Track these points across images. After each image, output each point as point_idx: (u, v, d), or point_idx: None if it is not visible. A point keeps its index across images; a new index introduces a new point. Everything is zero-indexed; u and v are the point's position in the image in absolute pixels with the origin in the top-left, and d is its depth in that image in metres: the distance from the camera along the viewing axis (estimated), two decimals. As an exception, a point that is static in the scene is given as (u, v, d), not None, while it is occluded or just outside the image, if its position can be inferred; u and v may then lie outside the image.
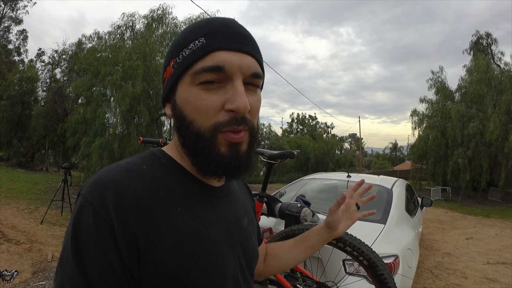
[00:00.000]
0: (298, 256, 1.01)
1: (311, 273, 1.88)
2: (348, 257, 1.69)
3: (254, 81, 0.63)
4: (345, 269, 2.12)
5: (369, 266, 1.39)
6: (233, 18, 0.66)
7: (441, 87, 17.36)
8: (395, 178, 4.07)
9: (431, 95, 18.06)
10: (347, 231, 1.45)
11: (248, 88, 0.62)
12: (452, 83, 25.46)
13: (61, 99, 15.48)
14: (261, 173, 31.83)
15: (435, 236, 7.04)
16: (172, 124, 0.65)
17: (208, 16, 12.73)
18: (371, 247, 1.47)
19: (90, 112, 10.85)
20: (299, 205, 2.02)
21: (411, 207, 3.75)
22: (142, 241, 0.55)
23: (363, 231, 2.46)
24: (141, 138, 2.54)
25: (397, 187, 3.49)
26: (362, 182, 1.09)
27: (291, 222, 1.98)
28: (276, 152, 2.00)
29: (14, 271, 3.63)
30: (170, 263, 0.57)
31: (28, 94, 17.55)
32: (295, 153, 1.97)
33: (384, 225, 2.58)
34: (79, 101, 14.38)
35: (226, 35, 0.60)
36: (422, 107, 17.89)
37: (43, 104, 17.68)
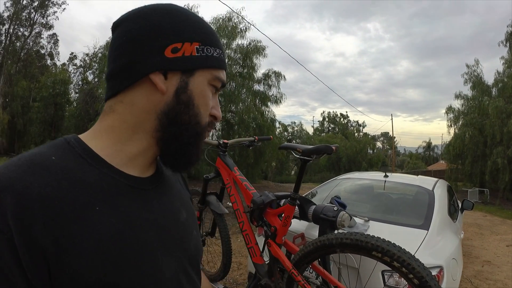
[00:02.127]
0: None
1: (346, 285, 1.71)
2: (388, 268, 1.53)
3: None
4: (384, 282, 1.94)
5: (420, 286, 1.20)
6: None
7: (477, 82, 16.56)
8: (435, 179, 3.80)
9: (466, 90, 17.35)
10: (392, 241, 1.29)
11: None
12: (488, 78, 24.19)
13: (92, 100, 16.04)
14: (292, 172, 31.79)
15: (474, 242, 6.65)
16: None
17: (237, 16, 12.78)
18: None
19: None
20: (335, 208, 1.82)
21: (452, 211, 3.48)
22: (52, 255, 0.45)
23: (403, 237, 2.27)
24: (256, 137, 2.49)
25: (439, 188, 3.22)
26: None
27: (326, 228, 1.79)
28: (310, 147, 1.76)
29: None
30: (92, 277, 0.48)
31: (61, 96, 18.45)
32: (333, 147, 1.72)
33: (426, 231, 2.36)
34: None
35: (223, 56, 0.67)
36: (457, 104, 17.29)
37: (75, 105, 18.41)
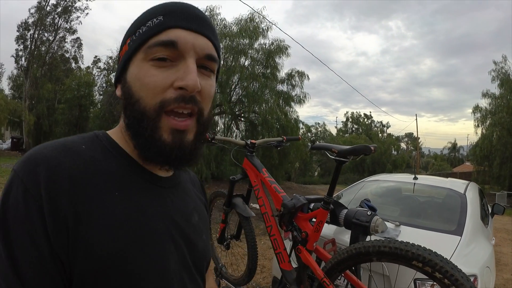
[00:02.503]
0: None
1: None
2: (420, 276, 1.45)
3: (208, 64, 0.62)
4: (416, 290, 1.86)
5: None
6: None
7: (505, 79, 15.90)
8: (466, 181, 3.67)
9: (493, 88, 16.64)
10: (434, 250, 1.23)
11: (201, 71, 0.61)
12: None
13: (116, 101, 16.28)
14: (316, 173, 31.43)
15: (503, 248, 6.38)
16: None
17: (258, 15, 12.76)
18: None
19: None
20: (369, 213, 1.73)
21: (483, 215, 3.34)
22: (72, 227, 0.51)
23: (435, 244, 2.18)
24: (284, 137, 2.46)
25: (470, 191, 3.09)
26: None
27: (359, 233, 1.72)
28: (347, 147, 1.65)
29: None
30: (103, 252, 0.52)
31: (85, 98, 18.88)
32: (372, 148, 1.59)
33: (460, 237, 2.26)
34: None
35: (184, 15, 0.60)
36: (484, 102, 16.64)
37: (99, 106, 18.81)
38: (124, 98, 0.61)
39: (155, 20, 0.59)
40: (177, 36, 0.58)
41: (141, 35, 0.59)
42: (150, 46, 0.58)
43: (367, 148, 1.58)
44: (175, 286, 0.63)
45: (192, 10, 0.62)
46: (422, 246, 1.26)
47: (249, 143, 2.23)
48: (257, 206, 2.14)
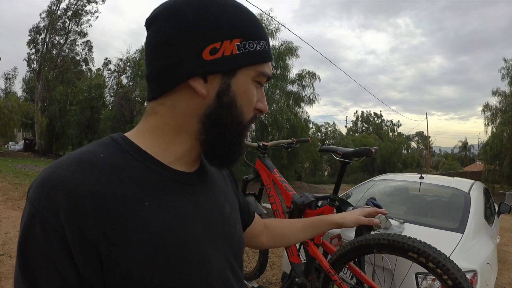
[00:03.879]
0: (304, 238, 1.15)
1: (380, 286, 1.76)
2: (422, 270, 1.56)
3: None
4: (417, 284, 1.96)
5: (453, 287, 1.24)
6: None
7: (515, 77, 15.74)
8: (472, 181, 3.71)
9: (504, 86, 16.50)
10: (430, 243, 1.34)
11: None
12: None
13: (127, 102, 16.57)
14: (325, 173, 31.25)
15: (510, 248, 6.35)
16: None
17: (267, 17, 12.76)
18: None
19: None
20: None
21: (488, 214, 3.41)
22: (104, 249, 0.47)
23: (438, 240, 2.27)
24: (294, 139, 2.55)
25: (475, 191, 3.16)
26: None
27: (363, 229, 1.85)
28: (350, 149, 1.83)
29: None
30: (143, 270, 0.49)
31: (97, 100, 19.13)
32: (373, 150, 1.78)
33: (462, 234, 2.34)
34: (145, 104, 15.23)
35: (269, 48, 0.64)
36: (494, 101, 16.45)
37: (110, 108, 19.05)
38: (221, 104, 0.59)
39: (263, 43, 0.61)
40: (270, 72, 0.64)
41: (258, 54, 0.60)
42: (263, 73, 0.61)
43: (368, 151, 1.77)
44: (221, 287, 0.62)
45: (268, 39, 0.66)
46: (417, 239, 1.37)
47: (261, 145, 2.34)
48: (269, 205, 2.26)
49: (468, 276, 1.90)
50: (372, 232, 1.85)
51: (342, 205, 1.99)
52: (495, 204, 4.24)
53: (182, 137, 0.61)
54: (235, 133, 0.61)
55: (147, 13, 0.61)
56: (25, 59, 21.05)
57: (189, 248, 0.56)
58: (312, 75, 14.98)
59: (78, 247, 0.46)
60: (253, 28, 0.60)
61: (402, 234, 1.47)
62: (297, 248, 2.05)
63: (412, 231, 2.34)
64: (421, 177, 3.52)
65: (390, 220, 2.05)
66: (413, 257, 1.32)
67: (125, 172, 0.53)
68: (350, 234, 2.06)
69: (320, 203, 1.99)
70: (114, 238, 0.48)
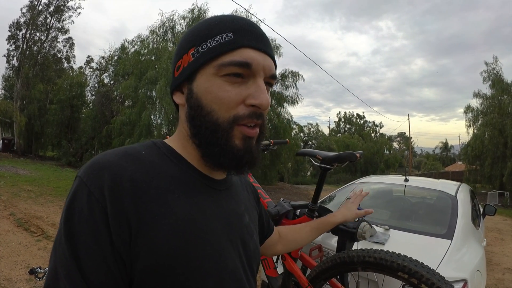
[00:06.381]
0: (312, 239, 1.24)
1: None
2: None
3: (271, 82, 0.67)
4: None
5: None
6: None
7: (496, 80, 16.01)
8: (458, 183, 3.64)
9: (485, 89, 16.76)
10: (414, 251, 1.19)
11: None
12: (507, 75, 23.20)
13: (108, 102, 16.20)
14: (308, 173, 31.30)
15: (494, 248, 6.38)
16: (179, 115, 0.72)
17: (247, 13, 12.71)
18: (438, 270, 1.24)
19: (135, 114, 11.09)
20: (356, 219, 1.71)
21: (474, 217, 3.31)
22: (135, 226, 0.54)
23: (426, 248, 2.15)
24: (271, 141, 2.39)
25: (461, 193, 3.06)
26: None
27: (346, 239, 1.67)
28: (332, 154, 1.61)
29: (47, 268, 3.61)
30: (163, 251, 0.55)
31: (77, 98, 18.67)
32: (358, 155, 1.57)
33: (450, 240, 2.22)
34: (125, 103, 14.89)
35: (253, 35, 0.63)
36: (476, 103, 16.80)
37: (91, 107, 18.62)
38: (191, 108, 0.64)
39: (225, 36, 0.61)
40: (250, 57, 0.61)
41: (211, 50, 0.61)
42: (224, 64, 0.60)
43: (352, 156, 1.56)
44: (233, 285, 0.65)
45: (258, 29, 0.66)
46: (408, 256, 1.22)
47: None
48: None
49: (459, 285, 1.81)
50: (355, 244, 1.69)
51: (322, 213, 1.81)
52: (480, 206, 4.17)
53: (188, 141, 0.67)
54: (210, 132, 0.62)
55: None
56: (4, 55, 20.45)
57: (208, 238, 0.61)
58: (295, 75, 14.88)
59: (114, 219, 0.52)
60: (207, 30, 0.63)
61: (387, 243, 1.32)
62: (274, 260, 1.87)
63: (398, 238, 2.22)
64: (406, 180, 3.40)
65: (375, 227, 1.89)
66: (403, 277, 1.17)
67: (161, 168, 0.62)
68: (332, 243, 1.91)
69: (298, 212, 1.81)
70: (144, 218, 0.55)
